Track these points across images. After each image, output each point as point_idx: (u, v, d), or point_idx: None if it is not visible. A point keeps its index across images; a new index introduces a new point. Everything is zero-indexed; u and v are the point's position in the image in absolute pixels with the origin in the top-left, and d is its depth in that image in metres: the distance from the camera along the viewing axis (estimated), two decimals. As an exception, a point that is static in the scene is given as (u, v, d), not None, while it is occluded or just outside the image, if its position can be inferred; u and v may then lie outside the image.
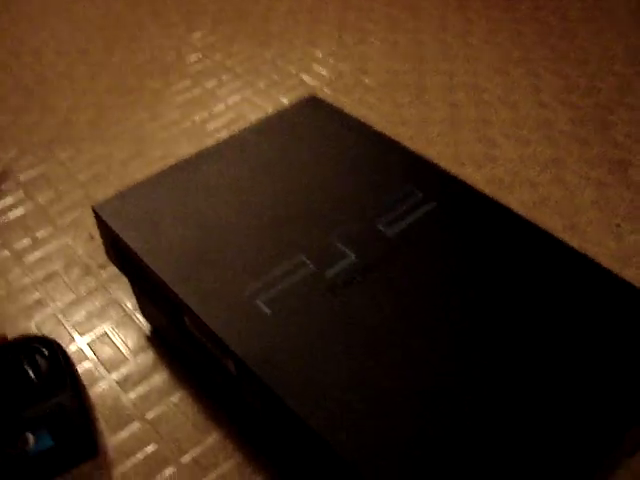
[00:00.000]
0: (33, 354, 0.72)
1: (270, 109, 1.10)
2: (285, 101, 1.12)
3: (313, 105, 0.80)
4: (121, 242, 0.65)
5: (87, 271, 0.86)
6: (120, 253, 0.68)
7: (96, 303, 0.82)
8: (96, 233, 0.91)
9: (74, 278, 0.85)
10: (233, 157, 0.73)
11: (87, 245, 0.90)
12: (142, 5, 1.40)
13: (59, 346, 0.73)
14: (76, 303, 0.82)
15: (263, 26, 1.31)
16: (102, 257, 0.88)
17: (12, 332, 0.79)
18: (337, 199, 0.68)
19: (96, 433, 0.70)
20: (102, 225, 0.68)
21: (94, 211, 0.68)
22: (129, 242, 0.64)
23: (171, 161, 1.02)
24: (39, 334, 0.78)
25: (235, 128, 1.07)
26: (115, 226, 0.66)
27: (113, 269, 0.86)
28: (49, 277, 0.86)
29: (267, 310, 0.58)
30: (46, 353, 0.72)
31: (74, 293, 0.84)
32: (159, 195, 0.69)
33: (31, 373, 0.70)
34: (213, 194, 0.69)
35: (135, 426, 0.70)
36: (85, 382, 0.74)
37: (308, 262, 0.62)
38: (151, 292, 0.66)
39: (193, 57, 1.24)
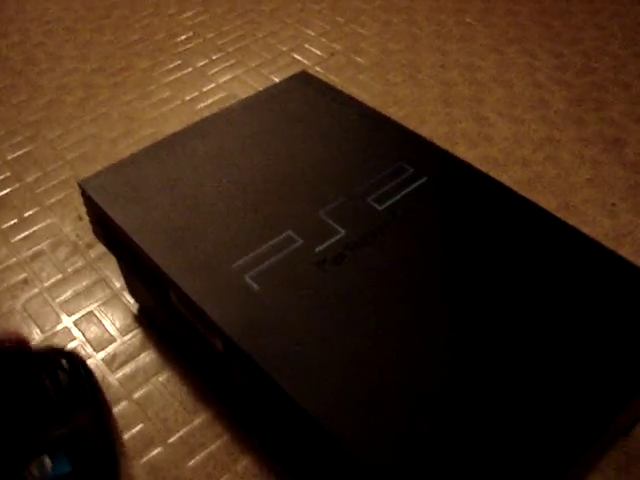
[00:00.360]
0: (54, 369, 0.65)
1: (261, 88, 1.09)
2: (276, 80, 1.10)
3: (304, 80, 0.79)
4: (107, 217, 0.64)
5: (74, 250, 0.85)
6: (106, 229, 0.67)
7: (83, 282, 0.81)
8: (84, 213, 0.90)
9: (61, 257, 0.84)
10: (221, 132, 0.72)
11: (75, 224, 0.88)
12: (132, -16, 1.38)
13: (82, 361, 0.68)
14: (63, 282, 0.81)
15: (255, 5, 1.29)
16: (90, 236, 0.86)
17: (-2, 312, 0.78)
18: (327, 174, 0.66)
19: (118, 457, 0.65)
20: (88, 200, 0.67)
21: (80, 186, 0.67)
22: (114, 217, 0.63)
23: (160, 140, 1.00)
24: (60, 346, 0.72)
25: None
26: (100, 201, 0.65)
27: (101, 248, 0.85)
28: (36, 256, 0.84)
29: (255, 286, 0.57)
30: (67, 368, 0.65)
31: (61, 272, 0.82)
32: (146, 170, 0.68)
33: (50, 390, 0.64)
34: (201, 169, 0.67)
35: (122, 406, 0.69)
36: (72, 362, 0.73)
37: (297, 237, 0.60)
38: (138, 269, 0.64)
39: (183, 36, 1.22)
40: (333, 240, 0.60)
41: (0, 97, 1.10)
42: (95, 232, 0.70)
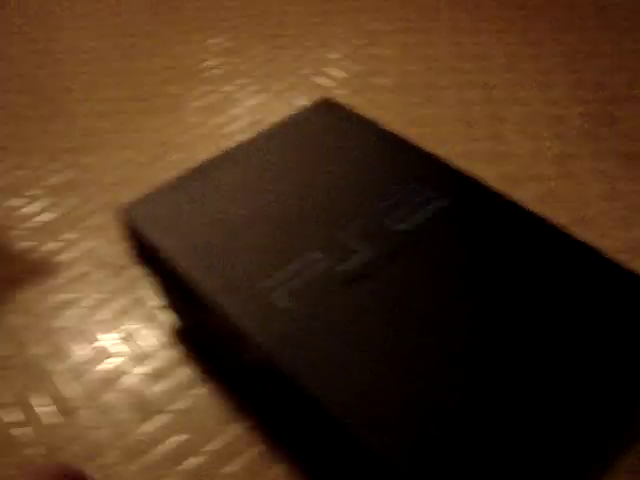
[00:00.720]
0: None
1: (286, 111, 1.13)
2: (301, 103, 1.15)
3: (327, 107, 0.83)
4: (147, 242, 0.69)
5: (113, 272, 0.90)
6: (145, 253, 0.71)
7: (121, 302, 0.86)
8: (122, 236, 0.95)
9: (100, 279, 0.89)
10: (250, 160, 0.76)
11: (112, 247, 0.93)
12: (161, 13, 1.44)
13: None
14: (102, 303, 0.86)
15: (278, 30, 1.35)
16: (126, 259, 0.91)
17: (40, 332, 0.83)
18: (351, 198, 0.71)
19: None
20: (127, 226, 0.72)
21: (120, 213, 0.71)
22: (154, 241, 0.67)
23: (191, 164, 1.05)
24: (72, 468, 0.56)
25: (252, 131, 1.10)
26: (140, 226, 0.69)
27: (137, 270, 0.89)
28: (76, 278, 0.90)
29: (284, 304, 0.61)
30: None
31: (100, 293, 0.87)
32: (181, 197, 0.72)
33: None
34: (232, 195, 0.72)
35: (160, 418, 0.74)
36: (112, 377, 0.78)
37: (323, 258, 0.65)
38: (177, 289, 0.69)
39: (211, 62, 1.27)
40: (357, 260, 0.64)
41: (39, 126, 1.16)
42: (134, 255, 0.75)
